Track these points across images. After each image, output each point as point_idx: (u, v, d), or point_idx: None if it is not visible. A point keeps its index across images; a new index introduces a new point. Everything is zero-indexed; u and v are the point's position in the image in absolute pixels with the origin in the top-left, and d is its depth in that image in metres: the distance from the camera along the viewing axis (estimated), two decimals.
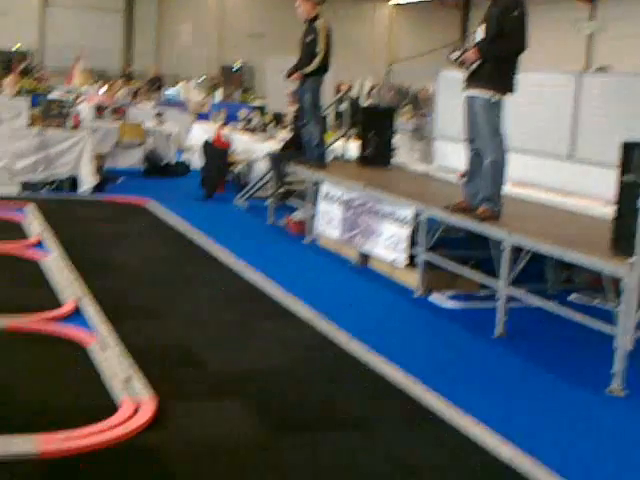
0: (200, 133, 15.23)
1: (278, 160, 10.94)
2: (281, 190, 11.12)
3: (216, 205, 12.25)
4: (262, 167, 12.22)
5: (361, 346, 6.02)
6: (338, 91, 15.22)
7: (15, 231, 9.21)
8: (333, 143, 11.69)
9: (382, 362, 5.73)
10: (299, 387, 5.37)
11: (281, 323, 6.64)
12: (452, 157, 10.93)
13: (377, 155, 10.56)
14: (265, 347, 6.05)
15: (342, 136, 11.94)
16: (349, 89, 15.39)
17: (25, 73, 21.91)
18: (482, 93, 6.89)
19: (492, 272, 7.00)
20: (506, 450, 4.53)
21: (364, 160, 10.61)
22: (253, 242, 9.85)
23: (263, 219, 11.06)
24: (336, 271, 8.65)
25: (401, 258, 8.00)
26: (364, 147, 10.67)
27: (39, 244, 8.61)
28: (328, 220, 9.34)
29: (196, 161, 14.34)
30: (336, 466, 4.33)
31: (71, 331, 5.92)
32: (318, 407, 5.07)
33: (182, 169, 14.98)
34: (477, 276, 7.29)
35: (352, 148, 11.57)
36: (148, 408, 4.71)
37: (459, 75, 7.21)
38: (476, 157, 7.14)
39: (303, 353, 5.99)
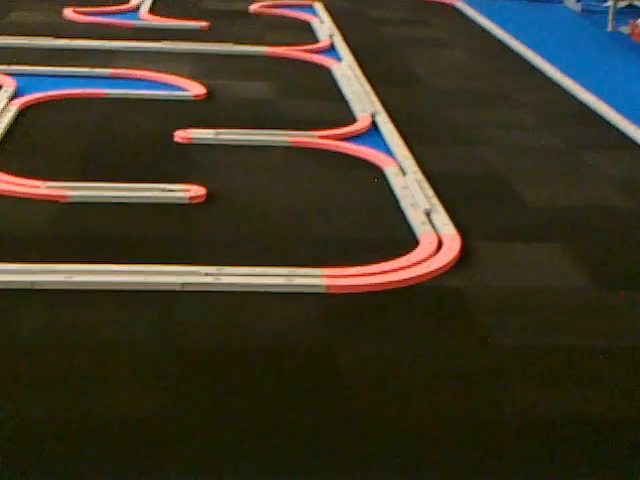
0: None
1: None
2: None
3: (541, 6, 11.87)
4: None
5: None
6: None
7: (304, 32, 9.48)
8: None
9: None
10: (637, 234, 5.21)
11: (619, 156, 6.41)
12: None
13: None
14: (597, 184, 5.89)
15: None
16: None
17: None
18: None
19: None
20: None
21: None
22: (586, 53, 9.51)
23: (601, 25, 10.57)
24: None
25: None
26: None
27: (329, 49, 8.82)
28: None
29: None
30: None
31: (367, 151, 6.10)
32: None
33: None
34: None
35: None
36: (452, 246, 4.74)
37: None
38: None
39: None
